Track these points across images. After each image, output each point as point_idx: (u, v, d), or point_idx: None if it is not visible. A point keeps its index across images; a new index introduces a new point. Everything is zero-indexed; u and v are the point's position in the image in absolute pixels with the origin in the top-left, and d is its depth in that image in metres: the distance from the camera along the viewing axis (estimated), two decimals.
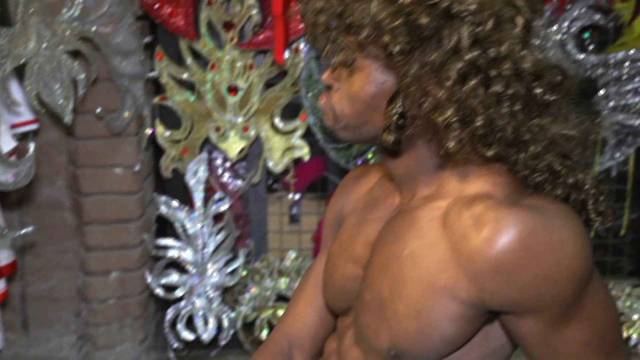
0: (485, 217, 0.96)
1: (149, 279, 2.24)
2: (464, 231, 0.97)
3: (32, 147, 1.84)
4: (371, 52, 0.99)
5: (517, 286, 0.95)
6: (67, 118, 1.89)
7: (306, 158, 2.32)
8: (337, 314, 1.27)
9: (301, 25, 2.12)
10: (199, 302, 2.28)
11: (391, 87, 1.00)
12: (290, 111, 2.31)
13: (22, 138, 2.01)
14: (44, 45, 1.80)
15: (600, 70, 2.16)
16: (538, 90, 0.97)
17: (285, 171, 2.36)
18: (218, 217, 2.33)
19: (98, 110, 2.03)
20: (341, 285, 1.19)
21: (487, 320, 1.03)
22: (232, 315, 2.32)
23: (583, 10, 2.11)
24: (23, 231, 1.93)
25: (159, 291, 2.25)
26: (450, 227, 1.00)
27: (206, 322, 2.29)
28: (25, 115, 1.95)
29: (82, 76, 1.88)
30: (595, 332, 1.00)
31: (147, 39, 2.13)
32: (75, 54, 1.94)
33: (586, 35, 2.22)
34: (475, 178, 1.03)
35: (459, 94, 0.93)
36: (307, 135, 2.30)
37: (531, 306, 0.97)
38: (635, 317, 2.30)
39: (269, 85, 2.26)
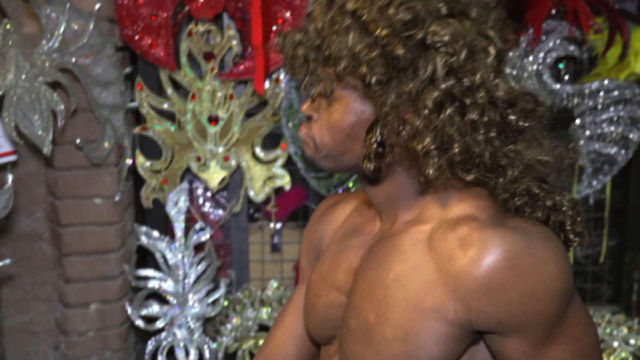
0: (470, 238, 0.98)
1: (129, 311, 2.22)
2: (450, 252, 0.99)
3: (10, 178, 1.83)
4: (349, 83, 1.01)
5: (503, 305, 0.97)
6: (46, 149, 1.88)
7: (287, 187, 2.32)
8: (320, 344, 1.27)
9: (280, 56, 2.14)
10: (180, 333, 2.26)
11: (370, 117, 1.02)
12: (271, 141, 2.32)
13: (1, 169, 2.00)
14: (22, 77, 1.80)
15: (576, 100, 2.20)
16: (512, 117, 1.00)
17: (267, 200, 2.36)
18: (199, 247, 2.32)
19: (78, 141, 2.03)
20: (324, 313, 1.20)
21: (473, 341, 1.05)
22: (214, 346, 2.30)
23: (558, 41, 2.15)
24: (0, 263, 1.91)
25: (140, 322, 2.23)
26: (435, 249, 1.02)
27: (187, 354, 2.26)
28: (4, 146, 1.94)
29: (62, 107, 1.88)
30: (577, 352, 1.02)
31: (127, 70, 2.14)
32: (55, 85, 1.94)
33: (561, 65, 2.26)
34: (458, 202, 1.06)
35: (435, 122, 0.96)
36: (288, 165, 2.31)
37: (517, 325, 0.98)
38: (615, 344, 2.31)
39: (249, 115, 2.28)
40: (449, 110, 0.96)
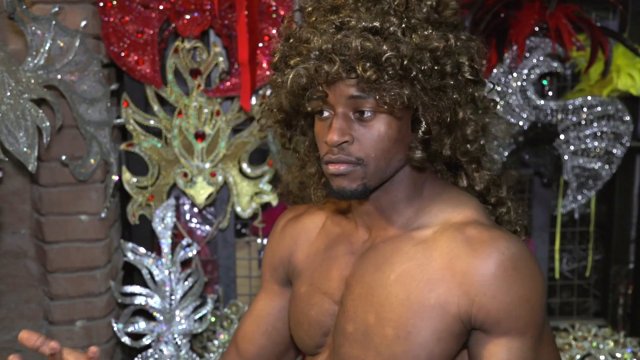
0: (480, 238, 1.07)
1: (116, 327, 2.21)
2: (458, 251, 1.07)
3: None
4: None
5: (504, 304, 1.05)
6: (32, 166, 1.88)
7: (274, 203, 2.32)
8: (307, 354, 1.28)
9: (267, 73, 2.16)
10: (166, 350, 2.25)
11: (407, 115, 1.10)
12: (258, 157, 2.33)
13: None
14: (7, 94, 1.79)
15: (560, 116, 2.22)
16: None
17: (254, 216, 2.36)
18: (186, 264, 2.32)
19: (63, 157, 2.02)
20: (317, 321, 1.22)
21: (464, 345, 1.11)
22: None
23: (541, 58, 2.17)
24: None
25: (126, 339, 2.22)
26: (442, 249, 1.09)
27: None
28: None
29: (47, 124, 1.88)
30: None
31: (113, 87, 2.14)
32: (40, 102, 1.94)
33: (544, 82, 2.28)
34: (456, 207, 1.14)
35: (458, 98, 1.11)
36: (275, 180, 2.31)
37: (509, 328, 1.06)
38: (602, 357, 2.32)
39: (236, 131, 2.28)
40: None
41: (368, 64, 1.03)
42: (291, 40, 1.12)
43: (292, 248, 1.33)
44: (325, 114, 1.11)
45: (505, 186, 1.23)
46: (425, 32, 1.06)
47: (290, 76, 1.08)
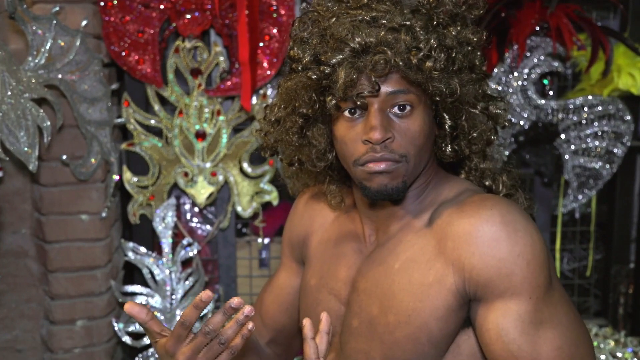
0: (470, 200, 1.08)
1: (116, 327, 2.21)
2: (449, 218, 1.08)
3: None
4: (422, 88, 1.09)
5: (493, 260, 1.01)
6: (32, 165, 1.88)
7: (275, 203, 2.32)
8: None
9: (268, 72, 2.16)
10: None
11: (431, 112, 1.11)
12: (258, 156, 2.33)
13: None
14: (8, 93, 1.79)
15: (560, 115, 2.22)
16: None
17: (254, 216, 2.36)
18: (186, 263, 2.32)
19: (64, 157, 2.02)
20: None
21: (462, 327, 1.10)
22: None
23: (542, 57, 2.17)
24: None
25: (127, 339, 2.21)
26: (437, 224, 1.10)
27: None
28: None
29: (48, 123, 1.88)
30: (567, 339, 1.04)
31: (114, 86, 2.14)
32: (41, 102, 1.94)
33: (545, 81, 2.28)
34: (450, 186, 1.16)
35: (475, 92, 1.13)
36: (276, 180, 2.31)
37: (504, 288, 1.02)
38: (602, 357, 2.32)
39: (236, 130, 2.28)
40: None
41: (422, 54, 1.02)
42: (321, 37, 1.09)
43: (309, 229, 1.34)
44: (356, 112, 1.09)
45: (509, 182, 1.22)
46: (458, 27, 1.07)
47: (342, 71, 1.04)
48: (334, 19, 1.07)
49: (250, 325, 1.05)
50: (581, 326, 1.08)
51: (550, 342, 1.02)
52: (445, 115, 1.10)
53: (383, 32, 1.03)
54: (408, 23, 1.03)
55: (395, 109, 1.07)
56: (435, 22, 1.06)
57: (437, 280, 1.06)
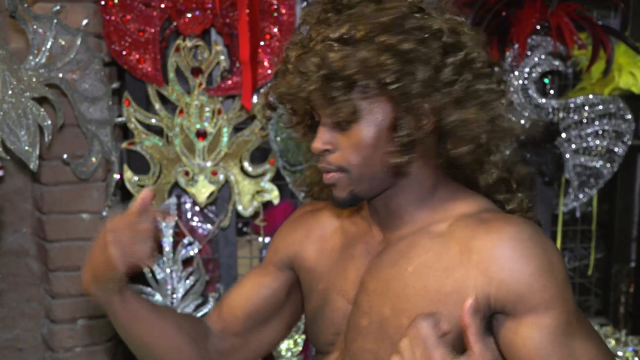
0: (494, 218, 1.08)
1: None
2: (473, 233, 1.07)
3: None
4: (365, 98, 1.06)
5: (524, 276, 1.02)
6: (33, 165, 1.88)
7: (276, 202, 2.32)
8: (320, 352, 1.29)
9: (269, 71, 2.16)
10: None
11: (389, 121, 1.07)
12: (259, 155, 2.33)
13: None
14: (9, 92, 1.80)
15: (561, 114, 2.22)
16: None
17: (255, 215, 2.36)
18: (187, 262, 2.31)
19: (65, 156, 2.02)
20: (330, 318, 1.23)
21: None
22: None
23: (542, 56, 2.17)
24: None
25: None
26: (458, 236, 1.09)
27: None
28: None
29: (49, 122, 1.88)
30: (600, 349, 1.06)
31: (114, 85, 2.14)
32: (42, 101, 1.94)
33: (546, 80, 2.28)
34: (467, 201, 1.15)
35: (455, 93, 1.06)
36: (277, 179, 2.31)
37: (535, 303, 1.02)
38: None
39: (237, 129, 2.28)
40: (463, 79, 1.07)
41: (315, 83, 1.05)
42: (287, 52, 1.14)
43: (302, 240, 1.34)
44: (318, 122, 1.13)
45: (514, 182, 1.22)
46: (394, 36, 1.04)
47: (278, 88, 1.14)
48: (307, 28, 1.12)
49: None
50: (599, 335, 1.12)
51: (586, 353, 1.04)
52: (398, 123, 1.07)
53: (302, 53, 1.09)
54: (332, 40, 1.06)
55: (335, 123, 1.09)
56: (365, 34, 1.05)
57: (456, 290, 1.06)
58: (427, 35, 1.04)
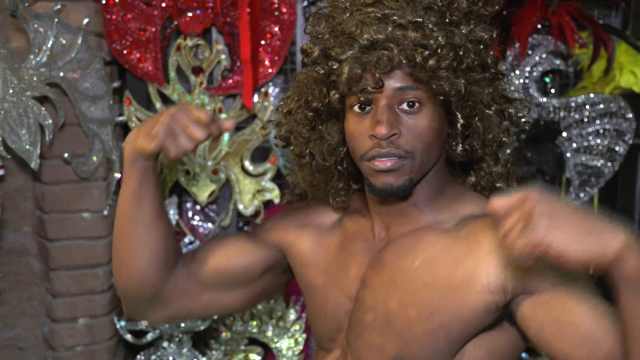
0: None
1: (118, 325, 2.21)
2: (482, 227, 1.09)
3: None
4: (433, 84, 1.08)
5: None
6: (34, 163, 1.88)
7: (276, 201, 2.32)
8: (323, 347, 1.29)
9: (270, 70, 2.16)
10: (169, 348, 2.25)
11: (443, 110, 1.11)
12: (260, 154, 2.33)
13: None
14: (10, 91, 1.80)
15: (562, 113, 2.22)
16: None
17: (256, 214, 2.36)
18: None
19: (65, 155, 2.02)
20: (332, 313, 1.24)
21: (472, 336, 1.10)
22: None
23: (543, 55, 2.17)
24: None
25: (129, 337, 2.22)
26: (465, 231, 1.11)
27: None
28: None
29: (49, 121, 1.88)
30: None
31: (115, 84, 2.14)
32: (43, 100, 1.94)
33: (547, 79, 2.28)
34: (472, 202, 1.17)
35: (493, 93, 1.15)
36: (277, 178, 2.31)
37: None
38: None
39: (238, 129, 2.28)
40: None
41: (427, 52, 1.03)
42: (331, 33, 1.11)
43: (297, 231, 1.34)
44: (366, 108, 1.10)
45: (515, 182, 1.23)
46: (471, 25, 1.09)
47: (346, 67, 1.06)
48: (345, 15, 1.08)
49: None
50: None
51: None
52: (457, 113, 1.10)
53: (391, 29, 1.04)
54: (419, 20, 1.04)
55: (404, 105, 1.08)
56: (447, 20, 1.06)
57: (466, 281, 1.07)
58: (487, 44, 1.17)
